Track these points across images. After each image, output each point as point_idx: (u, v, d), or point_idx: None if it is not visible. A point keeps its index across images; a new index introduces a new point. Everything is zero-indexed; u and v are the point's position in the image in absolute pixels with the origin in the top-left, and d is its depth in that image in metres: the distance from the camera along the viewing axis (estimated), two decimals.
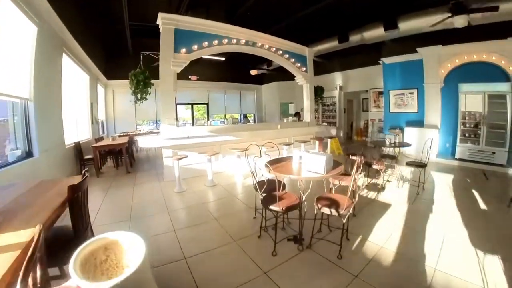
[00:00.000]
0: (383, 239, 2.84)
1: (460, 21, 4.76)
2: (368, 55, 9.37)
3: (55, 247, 1.85)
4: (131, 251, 1.42)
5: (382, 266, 2.39)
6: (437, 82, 7.30)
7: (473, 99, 6.53)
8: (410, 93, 8.23)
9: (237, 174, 5.57)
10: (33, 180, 2.80)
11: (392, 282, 2.17)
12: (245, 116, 14.71)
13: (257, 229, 3.01)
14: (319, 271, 2.32)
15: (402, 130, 8.29)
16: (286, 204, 2.48)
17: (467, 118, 6.68)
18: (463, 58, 6.80)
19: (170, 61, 5.36)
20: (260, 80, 14.80)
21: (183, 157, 4.79)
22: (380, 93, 9.81)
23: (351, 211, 2.45)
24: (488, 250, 2.58)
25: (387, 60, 8.68)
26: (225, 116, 13.94)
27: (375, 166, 4.41)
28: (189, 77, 12.13)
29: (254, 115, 15.75)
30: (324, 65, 10.68)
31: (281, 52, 7.34)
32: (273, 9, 6.98)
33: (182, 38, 5.51)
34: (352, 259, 2.48)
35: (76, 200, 1.97)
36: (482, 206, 3.88)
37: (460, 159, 6.75)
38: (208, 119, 12.09)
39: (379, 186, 4.63)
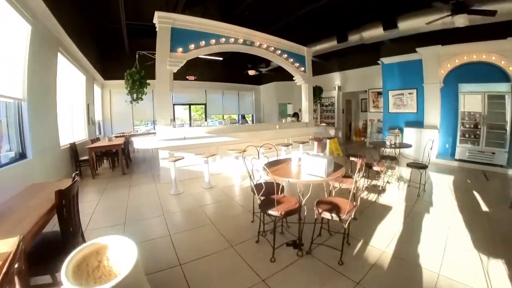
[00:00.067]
0: (384, 244, 2.76)
1: (460, 20, 4.70)
2: (367, 55, 9.31)
3: (44, 253, 1.79)
4: (123, 255, 1.41)
5: (384, 272, 2.31)
6: (436, 82, 7.25)
7: (472, 99, 6.48)
8: (409, 94, 8.18)
9: (235, 176, 5.48)
10: (24, 184, 2.73)
11: None
12: (243, 117, 14.63)
13: (255, 233, 2.91)
14: (320, 278, 2.24)
15: (401, 130, 8.24)
16: (285, 208, 2.39)
17: (466, 118, 6.62)
18: (462, 58, 6.76)
19: (167, 60, 5.26)
20: (258, 80, 14.72)
21: (179, 159, 4.69)
22: (379, 93, 9.76)
23: (352, 216, 2.36)
24: (491, 253, 2.51)
25: (386, 60, 8.62)
26: (223, 116, 13.83)
27: (375, 168, 4.33)
28: (187, 77, 12.06)
29: (252, 115, 15.66)
30: (322, 65, 10.61)
31: (279, 51, 7.26)
32: (271, 8, 6.91)
33: (179, 37, 5.41)
34: (354, 265, 2.39)
35: (65, 206, 1.88)
36: (484, 208, 3.82)
37: (460, 160, 6.70)
38: (206, 120, 12.00)
39: (380, 188, 4.56)
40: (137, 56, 7.12)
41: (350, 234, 2.79)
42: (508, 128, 5.95)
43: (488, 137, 6.26)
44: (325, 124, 10.82)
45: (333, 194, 3.06)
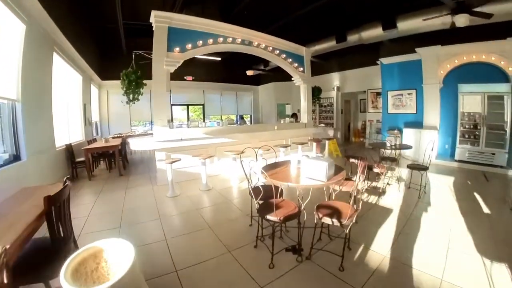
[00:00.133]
0: (386, 248, 2.69)
1: (461, 20, 4.65)
2: (366, 55, 9.28)
3: (35, 261, 1.73)
4: (121, 257, 1.45)
5: (386, 278, 2.24)
6: (436, 83, 7.20)
7: (472, 99, 6.44)
8: (408, 94, 8.13)
9: (233, 177, 5.40)
10: (18, 186, 2.66)
11: None
12: (242, 117, 14.55)
13: (253, 238, 2.83)
14: (320, 285, 2.17)
15: (400, 131, 8.19)
16: (284, 213, 2.31)
17: (466, 119, 6.59)
18: (462, 58, 6.72)
19: (163, 60, 5.18)
20: (256, 80, 14.65)
21: (176, 160, 4.61)
22: (378, 93, 9.72)
23: (354, 221, 2.30)
24: (494, 257, 2.46)
25: (385, 60, 8.57)
26: (221, 117, 13.75)
27: (375, 170, 4.27)
28: (185, 77, 11.98)
29: (251, 116, 15.58)
30: (321, 65, 10.58)
31: (278, 51, 7.19)
32: (270, 8, 6.85)
33: (176, 36, 5.33)
34: (355, 271, 2.32)
35: (54, 212, 1.80)
36: (485, 209, 3.77)
37: (459, 161, 6.66)
38: (204, 120, 11.92)
39: (380, 190, 4.50)
40: (133, 56, 7.03)
41: (351, 238, 2.72)
42: (508, 129, 5.91)
43: (488, 138, 6.23)
44: (324, 125, 10.77)
45: (333, 197, 2.99)
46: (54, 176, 5.14)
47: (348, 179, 3.16)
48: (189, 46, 5.49)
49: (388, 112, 8.79)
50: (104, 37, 8.63)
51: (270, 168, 2.78)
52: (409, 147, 5.21)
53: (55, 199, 1.77)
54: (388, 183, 4.97)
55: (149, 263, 2.50)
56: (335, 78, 11.53)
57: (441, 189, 4.81)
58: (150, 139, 5.27)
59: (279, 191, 2.75)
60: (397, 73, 8.39)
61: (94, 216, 3.78)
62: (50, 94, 5.46)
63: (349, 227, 2.31)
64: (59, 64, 6.13)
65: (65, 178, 2.15)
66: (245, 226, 3.32)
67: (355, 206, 2.38)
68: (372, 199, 4.23)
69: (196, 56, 6.14)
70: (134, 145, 5.19)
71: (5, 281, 1.26)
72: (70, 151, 6.06)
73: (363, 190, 4.49)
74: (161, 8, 5.40)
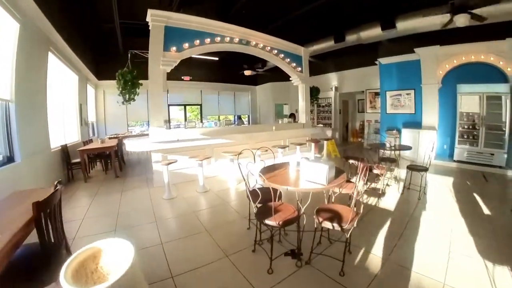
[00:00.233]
0: (387, 251, 2.64)
1: (461, 20, 4.62)
2: (364, 55, 9.24)
3: (25, 268, 1.68)
4: (120, 257, 1.46)
5: (387, 283, 2.18)
6: (434, 83, 7.18)
7: (471, 100, 6.41)
8: (407, 94, 8.10)
9: (230, 179, 5.33)
10: (12, 188, 2.58)
11: None
12: (239, 118, 14.47)
13: (251, 241, 2.76)
14: None
15: (399, 131, 8.16)
16: (282, 217, 2.24)
17: (465, 119, 6.56)
18: (461, 58, 6.70)
19: (160, 60, 5.10)
20: (254, 80, 14.58)
21: (172, 162, 4.53)
22: (376, 93, 9.69)
23: (355, 225, 2.24)
24: (496, 260, 2.42)
25: (383, 60, 8.54)
26: (219, 117, 13.66)
27: (375, 171, 4.22)
28: (182, 77, 11.89)
29: (249, 116, 15.51)
30: (319, 65, 10.53)
31: (276, 51, 7.13)
32: (268, 8, 6.78)
33: (173, 36, 5.26)
34: (356, 276, 2.27)
35: (44, 218, 1.72)
36: (486, 211, 3.74)
37: (458, 161, 6.64)
38: (201, 121, 11.84)
39: (380, 192, 4.45)
40: (129, 55, 6.94)
41: (351, 242, 2.66)
42: (506, 129, 5.89)
43: (486, 138, 6.20)
44: (322, 125, 10.74)
45: (333, 200, 2.93)
46: (49, 178, 5.03)
47: (348, 181, 3.11)
48: (186, 45, 5.42)
49: (387, 112, 8.75)
50: (100, 36, 8.51)
51: (268, 170, 2.71)
52: (408, 148, 5.16)
53: (44, 204, 1.70)
54: (387, 184, 4.92)
55: (145, 268, 2.41)
56: (333, 78, 11.51)
57: (441, 190, 4.76)
58: (146, 140, 5.19)
59: (277, 194, 2.69)
60: (395, 73, 8.36)
61: (89, 219, 3.70)
62: (45, 94, 5.35)
63: (350, 232, 2.25)
64: (54, 64, 6.01)
65: (56, 182, 2.07)
66: (243, 229, 3.25)
67: (355, 209, 2.32)
68: (372, 200, 4.17)
69: (193, 56, 6.06)
70: (130, 146, 5.10)
71: None
72: (65, 152, 5.95)
73: (362, 192, 4.44)
74: (158, 7, 5.32)
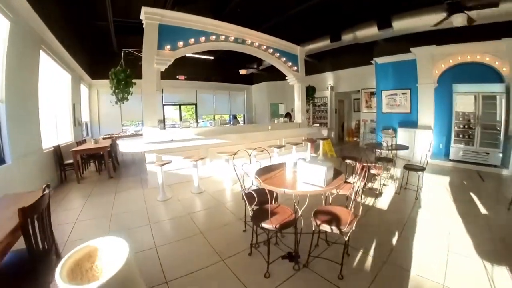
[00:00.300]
0: (385, 253, 2.61)
1: (458, 20, 4.60)
2: (360, 54, 9.21)
3: (12, 276, 1.62)
4: (115, 255, 1.47)
5: (386, 285, 2.15)
6: (430, 83, 7.19)
7: (467, 99, 6.44)
8: (403, 94, 8.11)
9: (226, 179, 5.27)
10: (3, 190, 2.49)
11: None
12: (235, 117, 14.39)
13: (247, 244, 2.70)
14: None
15: (395, 130, 8.17)
16: (279, 220, 2.18)
17: (461, 118, 6.58)
18: (457, 58, 6.72)
19: (154, 58, 5.00)
20: (250, 80, 14.52)
21: (166, 163, 4.45)
22: (372, 93, 9.69)
23: (354, 228, 2.19)
24: (495, 260, 2.41)
25: (379, 60, 8.53)
26: (214, 117, 13.56)
27: (372, 171, 4.19)
28: (177, 76, 11.77)
29: (244, 115, 15.43)
30: (315, 64, 10.50)
31: (271, 50, 7.07)
32: (264, 6, 6.70)
33: (167, 34, 5.15)
34: (354, 279, 2.22)
35: (31, 224, 1.64)
36: (483, 210, 3.74)
37: (454, 160, 6.66)
38: (196, 120, 11.72)
39: (377, 192, 4.41)
40: (122, 54, 6.81)
41: (349, 244, 2.60)
42: (501, 128, 5.92)
43: (482, 138, 6.24)
44: (318, 125, 10.71)
45: (330, 200, 2.88)
46: (41, 180, 4.90)
47: (345, 181, 3.06)
48: (180, 44, 5.33)
49: (383, 111, 8.76)
50: (94, 35, 8.36)
51: (264, 172, 2.65)
52: (405, 148, 5.14)
53: (31, 210, 1.61)
54: (384, 184, 4.90)
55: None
56: (329, 78, 11.48)
57: (438, 189, 4.76)
58: (139, 141, 5.09)
59: (274, 195, 2.63)
60: (391, 72, 8.36)
61: (81, 222, 3.61)
62: (37, 94, 5.21)
63: (348, 234, 2.21)
64: (46, 63, 5.87)
65: (44, 185, 1.99)
66: (239, 231, 3.19)
67: (352, 209, 2.27)
68: (369, 201, 4.14)
69: (188, 55, 5.97)
70: (123, 146, 4.99)
71: None
72: (58, 153, 5.82)
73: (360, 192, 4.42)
74: (152, 5, 5.21)
